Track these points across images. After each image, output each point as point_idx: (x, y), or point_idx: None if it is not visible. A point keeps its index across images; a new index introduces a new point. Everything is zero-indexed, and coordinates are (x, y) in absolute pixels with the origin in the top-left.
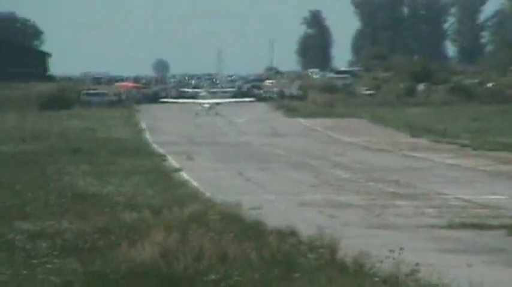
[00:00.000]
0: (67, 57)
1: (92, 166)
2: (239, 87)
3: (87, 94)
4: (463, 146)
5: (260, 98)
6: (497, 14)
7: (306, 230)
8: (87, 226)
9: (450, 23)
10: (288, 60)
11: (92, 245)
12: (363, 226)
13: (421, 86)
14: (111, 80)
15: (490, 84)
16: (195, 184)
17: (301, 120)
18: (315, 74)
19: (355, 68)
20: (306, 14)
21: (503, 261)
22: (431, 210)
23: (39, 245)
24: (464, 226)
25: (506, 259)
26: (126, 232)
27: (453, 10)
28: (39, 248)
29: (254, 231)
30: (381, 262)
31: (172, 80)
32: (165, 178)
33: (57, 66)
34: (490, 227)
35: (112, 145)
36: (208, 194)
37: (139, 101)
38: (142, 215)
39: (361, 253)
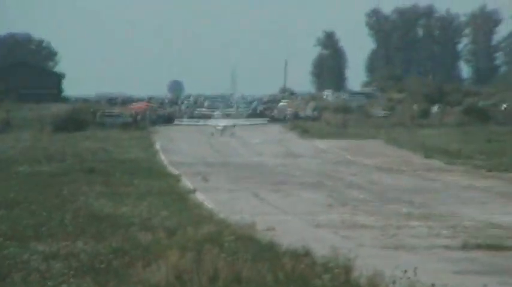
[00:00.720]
0: (82, 78)
1: (107, 187)
2: (253, 108)
3: (103, 115)
4: (477, 167)
5: (274, 119)
6: (511, 35)
7: (320, 251)
8: (102, 246)
9: (464, 44)
10: (303, 81)
11: (107, 265)
12: (377, 247)
13: (435, 108)
14: (126, 101)
15: (504, 106)
16: (209, 205)
17: (316, 141)
18: (328, 95)
19: (369, 89)
20: (320, 35)
21: None
22: (445, 231)
23: (55, 265)
24: (479, 246)
25: None
26: (141, 252)
27: (467, 31)
28: (55, 268)
29: (269, 252)
30: (395, 282)
31: (186, 101)
32: (179, 199)
33: (71, 87)
34: (505, 248)
35: (127, 166)
36: (222, 215)
37: (154, 122)
38: (157, 236)
39: (376, 273)
